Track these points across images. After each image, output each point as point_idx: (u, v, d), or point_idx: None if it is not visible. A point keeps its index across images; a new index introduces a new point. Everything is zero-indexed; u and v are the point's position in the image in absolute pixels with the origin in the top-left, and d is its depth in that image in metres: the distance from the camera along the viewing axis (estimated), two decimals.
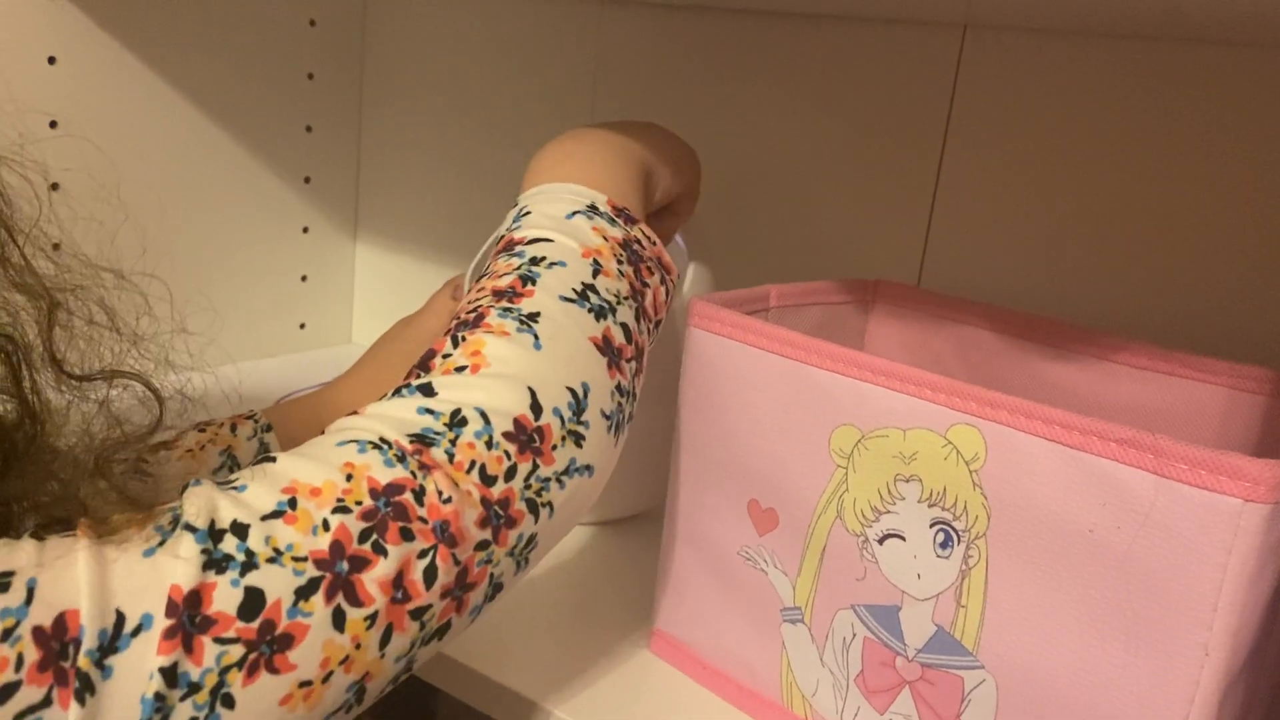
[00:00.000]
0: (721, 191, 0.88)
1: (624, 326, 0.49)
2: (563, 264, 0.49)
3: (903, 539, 0.49)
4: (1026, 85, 0.73)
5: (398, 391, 0.44)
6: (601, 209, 0.52)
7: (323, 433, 0.43)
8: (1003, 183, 0.75)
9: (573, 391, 0.45)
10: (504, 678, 0.59)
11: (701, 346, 0.57)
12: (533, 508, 0.43)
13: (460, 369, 0.44)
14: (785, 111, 0.84)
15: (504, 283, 0.48)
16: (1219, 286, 0.67)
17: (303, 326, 1.13)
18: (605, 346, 0.48)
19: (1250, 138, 0.65)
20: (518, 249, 0.50)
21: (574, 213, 0.52)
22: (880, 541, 0.50)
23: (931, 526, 0.48)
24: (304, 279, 1.11)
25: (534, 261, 0.49)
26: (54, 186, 0.88)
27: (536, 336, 0.45)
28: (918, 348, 0.69)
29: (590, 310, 0.48)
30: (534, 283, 0.48)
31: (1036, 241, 0.74)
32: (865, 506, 0.50)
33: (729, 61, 0.87)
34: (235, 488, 0.39)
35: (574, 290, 0.48)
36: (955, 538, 0.47)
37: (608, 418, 0.47)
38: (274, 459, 0.40)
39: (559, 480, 0.44)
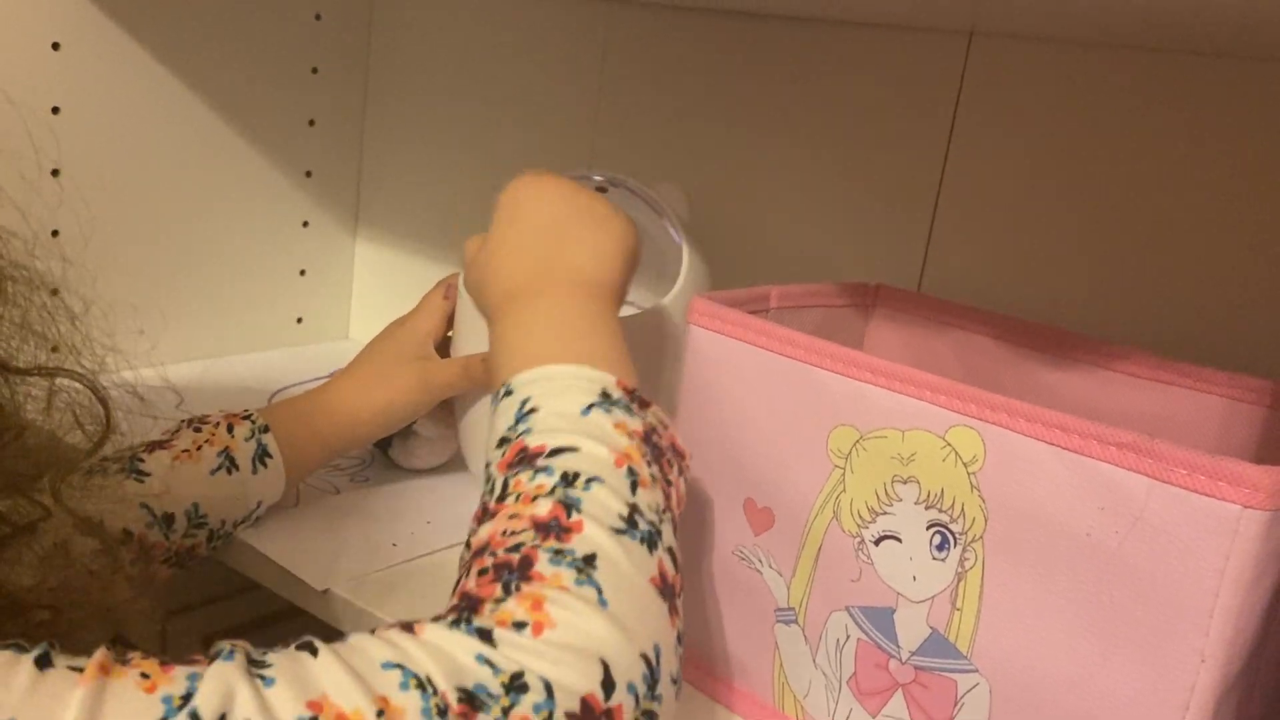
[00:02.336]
0: (723, 193, 0.88)
1: (670, 552, 0.44)
2: (600, 480, 0.43)
3: (899, 540, 0.49)
4: (1031, 93, 0.73)
5: (454, 623, 0.38)
6: (615, 396, 0.47)
7: (372, 632, 0.39)
8: (1005, 189, 0.75)
9: (646, 660, 0.39)
10: None
11: (701, 344, 0.57)
12: None
13: (520, 625, 0.38)
14: (789, 115, 0.84)
15: (542, 512, 0.42)
16: (1219, 296, 0.67)
17: (300, 321, 1.13)
18: (663, 585, 0.42)
19: (1252, 149, 0.65)
20: (541, 463, 0.44)
21: (589, 406, 0.46)
22: (876, 543, 0.50)
23: (928, 528, 0.47)
24: (302, 273, 1.11)
25: (567, 481, 0.43)
26: (55, 172, 0.88)
27: (600, 590, 0.40)
28: (917, 352, 0.69)
29: (642, 540, 0.42)
30: (578, 510, 0.42)
31: (1038, 249, 0.74)
32: (862, 507, 0.50)
33: (734, 64, 0.87)
34: (264, 677, 0.35)
35: (621, 517, 0.42)
36: (952, 540, 0.47)
37: (675, 682, 0.41)
38: (316, 650, 0.36)
39: None
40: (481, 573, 0.41)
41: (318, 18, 1.05)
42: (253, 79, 1.01)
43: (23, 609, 0.40)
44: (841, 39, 0.81)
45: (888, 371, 0.49)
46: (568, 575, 0.40)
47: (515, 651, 0.37)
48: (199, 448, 0.66)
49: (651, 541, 0.43)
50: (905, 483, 0.48)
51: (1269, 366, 0.63)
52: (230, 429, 0.68)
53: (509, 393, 0.48)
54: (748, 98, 0.86)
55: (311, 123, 1.07)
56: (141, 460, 0.63)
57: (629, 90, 0.93)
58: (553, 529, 0.41)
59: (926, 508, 0.47)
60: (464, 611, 0.39)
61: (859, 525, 0.50)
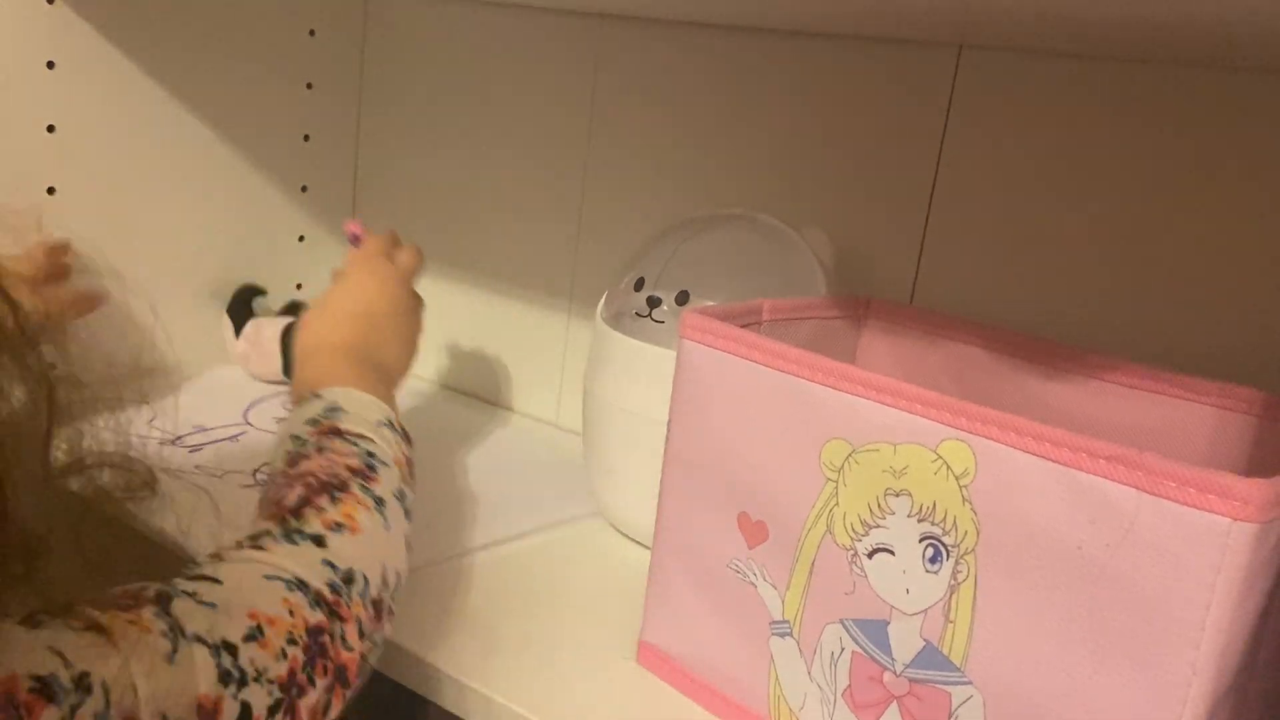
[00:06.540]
0: (715, 205, 0.88)
1: (408, 513, 0.60)
2: (387, 465, 0.60)
3: (892, 553, 0.49)
4: (1020, 105, 0.73)
5: (289, 537, 0.51)
6: (394, 425, 0.65)
7: (238, 544, 0.51)
8: (996, 201, 0.75)
9: (396, 573, 0.56)
10: (491, 688, 0.59)
11: (693, 358, 0.57)
12: (364, 662, 0.52)
13: (338, 525, 0.53)
14: (781, 129, 0.85)
15: (354, 463, 0.58)
16: (1210, 307, 0.67)
17: None
18: (405, 542, 0.58)
19: (1241, 159, 0.66)
20: (352, 439, 0.60)
21: (380, 423, 0.63)
22: (870, 556, 0.50)
23: (921, 541, 0.48)
24: (299, 287, 1.11)
25: (369, 455, 0.59)
26: (50, 190, 0.88)
27: (386, 519, 0.56)
28: (910, 365, 0.69)
29: (405, 512, 0.59)
30: (376, 472, 0.58)
31: (1029, 260, 0.74)
32: (855, 520, 0.50)
33: (725, 78, 0.87)
34: (208, 602, 0.44)
35: (396, 492, 0.59)
36: (944, 553, 0.47)
37: (393, 594, 0.56)
38: (219, 580, 0.47)
39: (375, 644, 0.53)
40: (316, 488, 0.55)
41: (312, 34, 1.05)
42: (247, 95, 1.01)
43: None
44: (833, 53, 0.81)
45: (879, 385, 0.49)
46: (369, 501, 0.56)
47: (342, 551, 0.52)
48: None
49: (408, 514, 0.60)
50: (898, 496, 0.48)
51: (1259, 377, 0.64)
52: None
53: (319, 397, 0.64)
54: (739, 112, 0.87)
55: (306, 138, 1.08)
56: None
57: (622, 104, 0.94)
58: (360, 474, 0.58)
59: (919, 521, 0.48)
60: (287, 516, 0.53)
61: (852, 538, 0.50)
